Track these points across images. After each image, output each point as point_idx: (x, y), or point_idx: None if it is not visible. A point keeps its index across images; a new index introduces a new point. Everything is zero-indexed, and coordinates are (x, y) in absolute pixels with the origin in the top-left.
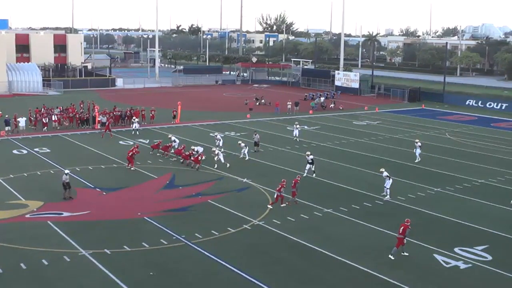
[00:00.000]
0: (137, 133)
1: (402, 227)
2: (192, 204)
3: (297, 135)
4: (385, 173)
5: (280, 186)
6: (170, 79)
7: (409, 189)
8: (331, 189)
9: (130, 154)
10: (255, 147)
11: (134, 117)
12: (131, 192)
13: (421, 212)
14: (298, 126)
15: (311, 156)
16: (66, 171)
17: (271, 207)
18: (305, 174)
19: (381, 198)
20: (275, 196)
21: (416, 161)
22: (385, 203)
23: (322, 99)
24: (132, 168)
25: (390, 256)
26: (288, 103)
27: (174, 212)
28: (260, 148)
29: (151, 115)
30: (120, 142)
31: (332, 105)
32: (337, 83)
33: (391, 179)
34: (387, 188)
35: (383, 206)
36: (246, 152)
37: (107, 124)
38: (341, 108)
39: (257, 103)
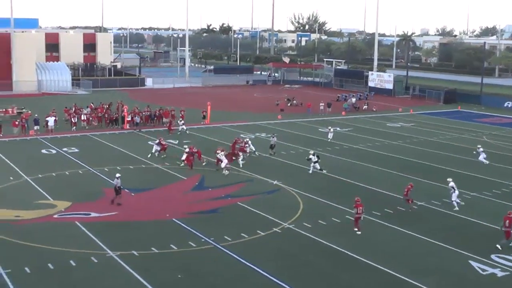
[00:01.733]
0: (186, 132)
1: (507, 220)
2: (222, 206)
3: (331, 138)
4: (451, 184)
5: (406, 189)
6: (200, 79)
7: (444, 193)
8: (364, 193)
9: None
10: (270, 150)
11: (181, 119)
12: (160, 193)
13: (457, 217)
14: (331, 129)
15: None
16: (118, 175)
17: (411, 210)
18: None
19: (415, 202)
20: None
21: (486, 163)
22: (419, 207)
23: (354, 100)
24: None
25: (497, 246)
26: (320, 104)
27: (203, 214)
28: (274, 151)
29: (180, 115)
30: (150, 142)
31: (365, 106)
32: (370, 84)
33: (456, 191)
34: (454, 201)
35: (417, 211)
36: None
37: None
38: (374, 109)
39: (289, 104)
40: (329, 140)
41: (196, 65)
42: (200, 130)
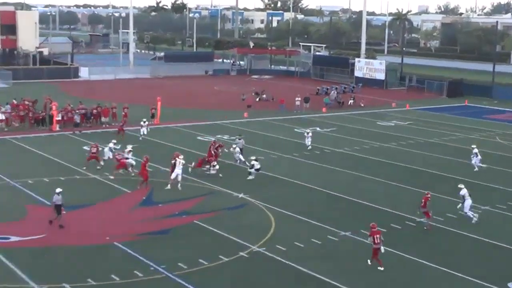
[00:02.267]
0: (142, 136)
1: (424, 200)
2: (175, 226)
3: (309, 144)
4: (463, 191)
5: (423, 201)
6: (148, 68)
7: (448, 206)
8: (350, 207)
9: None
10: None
11: (144, 120)
12: (98, 211)
13: (464, 236)
14: (310, 133)
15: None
16: (58, 190)
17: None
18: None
19: (413, 219)
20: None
21: (476, 169)
22: (417, 224)
23: (334, 92)
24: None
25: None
26: (296, 98)
27: (152, 235)
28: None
29: (123, 113)
30: (85, 147)
31: (351, 101)
32: (357, 73)
33: (468, 199)
34: (467, 213)
35: (414, 229)
36: (241, 156)
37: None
38: (362, 105)
39: (257, 99)
40: (308, 147)
41: (143, 51)
42: (149, 132)
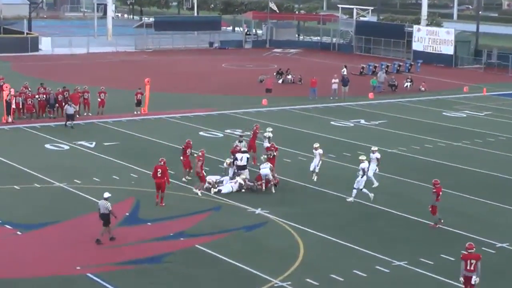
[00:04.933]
0: (72, 126)
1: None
2: (170, 252)
3: (316, 167)
4: (364, 164)
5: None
6: (132, 39)
7: None
8: (404, 227)
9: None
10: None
11: (69, 102)
12: (66, 231)
13: None
14: (320, 150)
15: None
16: (106, 195)
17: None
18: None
19: (492, 245)
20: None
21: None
22: (498, 252)
23: (383, 72)
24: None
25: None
26: (333, 80)
27: (139, 265)
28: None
29: (99, 100)
30: (47, 146)
31: (408, 84)
32: (416, 46)
33: (365, 176)
34: (358, 189)
35: (497, 258)
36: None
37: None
38: (422, 89)
39: (280, 81)
40: (313, 173)
41: (126, 16)
42: (133, 125)
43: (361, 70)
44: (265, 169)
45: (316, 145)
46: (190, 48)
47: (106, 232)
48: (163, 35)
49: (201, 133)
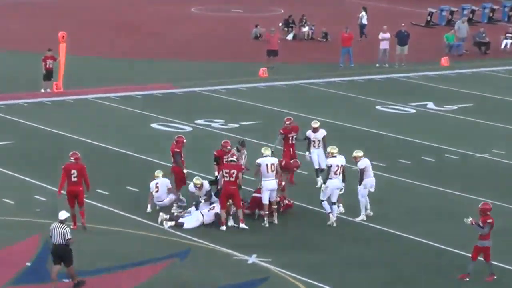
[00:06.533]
0: None
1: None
2: None
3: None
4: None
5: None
6: None
7: None
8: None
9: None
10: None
11: None
12: None
13: None
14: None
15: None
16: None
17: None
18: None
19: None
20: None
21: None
22: None
23: (463, 26)
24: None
25: None
26: (381, 35)
27: None
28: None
29: None
30: None
31: (508, 42)
32: None
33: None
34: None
35: None
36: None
37: None
38: None
39: (290, 36)
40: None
41: None
42: (39, 111)
43: (429, 18)
44: (271, 181)
45: (359, 153)
46: None
47: (70, 275)
48: None
49: (153, 125)
